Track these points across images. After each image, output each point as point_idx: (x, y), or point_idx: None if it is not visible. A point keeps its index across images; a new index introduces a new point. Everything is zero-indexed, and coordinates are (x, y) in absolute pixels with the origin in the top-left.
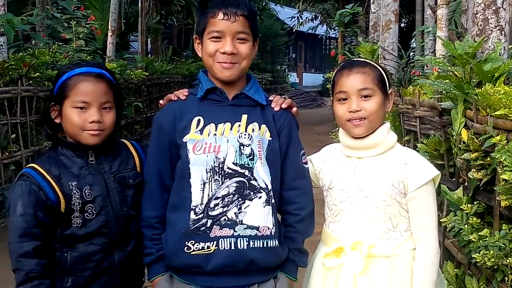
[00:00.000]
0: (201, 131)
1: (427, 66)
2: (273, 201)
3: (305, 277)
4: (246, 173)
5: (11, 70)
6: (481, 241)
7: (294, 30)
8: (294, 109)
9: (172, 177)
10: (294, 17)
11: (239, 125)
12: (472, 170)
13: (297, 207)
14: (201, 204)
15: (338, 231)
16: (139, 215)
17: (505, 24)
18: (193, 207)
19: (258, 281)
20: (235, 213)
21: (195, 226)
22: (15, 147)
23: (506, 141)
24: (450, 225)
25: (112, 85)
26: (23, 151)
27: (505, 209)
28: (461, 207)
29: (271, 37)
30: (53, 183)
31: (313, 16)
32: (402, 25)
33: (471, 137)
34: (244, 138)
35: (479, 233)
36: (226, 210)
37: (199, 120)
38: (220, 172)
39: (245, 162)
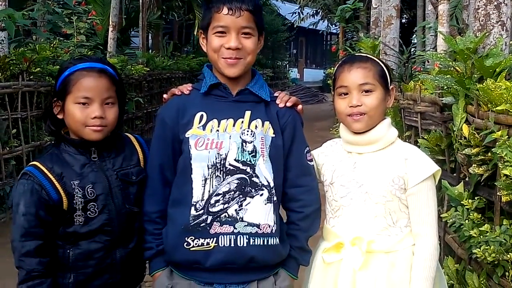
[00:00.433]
0: (204, 126)
1: (428, 62)
2: (275, 198)
3: (305, 273)
4: (248, 170)
5: (12, 65)
6: (481, 236)
7: (295, 26)
8: (300, 106)
9: (174, 172)
10: (295, 13)
11: (242, 122)
12: (473, 165)
13: (301, 205)
14: (202, 200)
15: (338, 227)
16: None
17: (507, 20)
18: (194, 203)
19: (257, 278)
20: (235, 210)
21: (195, 222)
22: (16, 142)
23: (507, 136)
24: (451, 220)
25: (115, 80)
26: (24, 146)
27: (506, 204)
28: (462, 202)
29: (272, 32)
30: (55, 182)
31: (314, 11)
32: (403, 20)
33: (472, 133)
34: (247, 134)
35: (479, 229)
36: (227, 207)
37: (202, 116)
38: (221, 169)
39: (247, 159)
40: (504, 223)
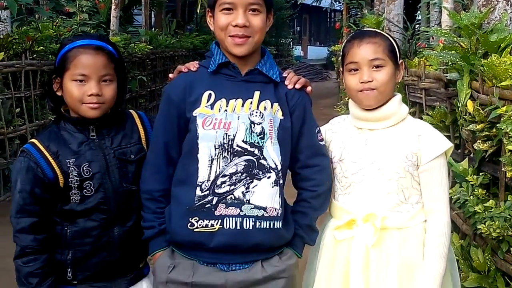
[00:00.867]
0: (212, 106)
1: (432, 38)
2: (281, 181)
3: (311, 252)
4: (256, 152)
5: (14, 44)
6: (486, 212)
7: (298, 3)
8: (309, 88)
9: (179, 151)
10: None
11: (251, 102)
12: (478, 141)
13: (314, 184)
14: (208, 180)
15: (349, 204)
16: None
17: None
18: (199, 183)
19: (262, 258)
20: (242, 192)
21: (200, 202)
22: (19, 121)
23: None
24: (456, 196)
25: (113, 58)
26: (28, 125)
27: (510, 180)
28: (466, 178)
29: (275, 10)
30: (51, 160)
31: None
32: None
33: (477, 108)
34: (256, 116)
35: (484, 204)
36: (233, 189)
37: (210, 95)
38: (229, 149)
39: (255, 140)
40: (509, 199)
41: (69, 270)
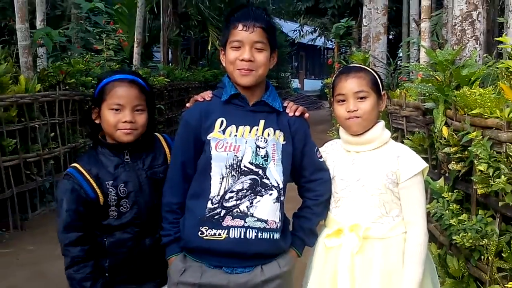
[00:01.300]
0: (224, 131)
1: (412, 72)
2: (282, 198)
3: (308, 259)
4: (260, 172)
5: (50, 76)
6: (460, 224)
7: (296, 42)
8: (306, 114)
9: (194, 169)
10: (296, 30)
11: (257, 129)
12: (452, 162)
13: (316, 194)
14: (218, 195)
15: (338, 215)
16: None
17: (480, 34)
18: (211, 198)
19: (261, 263)
20: (247, 206)
21: (210, 214)
22: (54, 144)
23: (481, 136)
24: (433, 211)
25: (145, 91)
26: (61, 148)
27: (481, 196)
28: (442, 195)
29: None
30: (92, 182)
31: (313, 29)
32: (390, 36)
33: (451, 134)
34: (261, 141)
35: (458, 218)
36: (239, 203)
37: (222, 121)
38: (237, 169)
39: (260, 162)
40: (479, 213)
41: (107, 274)
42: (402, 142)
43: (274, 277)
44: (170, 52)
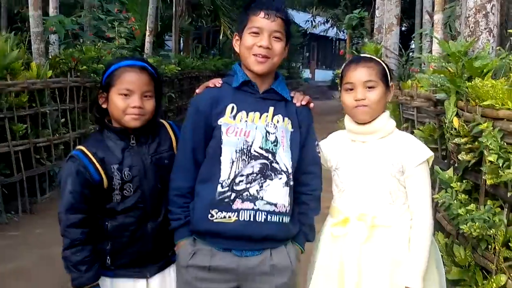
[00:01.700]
0: (234, 117)
1: (424, 64)
2: (291, 183)
3: (314, 248)
4: (270, 156)
5: (61, 63)
6: (468, 214)
7: (308, 32)
8: (311, 104)
9: (204, 154)
10: (308, 21)
11: (267, 116)
12: (462, 153)
13: (311, 188)
14: (228, 179)
15: (344, 205)
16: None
17: (494, 27)
18: (221, 181)
19: (271, 247)
20: (256, 189)
21: (220, 197)
22: (64, 129)
23: (492, 127)
24: (442, 200)
25: (153, 77)
26: (71, 133)
27: (490, 187)
28: (451, 185)
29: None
30: (98, 165)
31: (325, 20)
32: (403, 28)
33: (461, 124)
34: (270, 127)
35: (466, 208)
36: (249, 187)
37: (233, 107)
38: (247, 154)
39: (269, 147)
40: (488, 203)
41: (108, 258)
42: (412, 133)
43: (284, 268)
44: (181, 41)
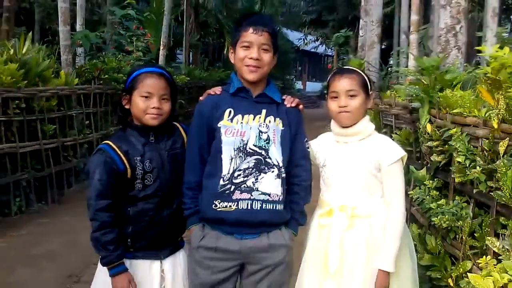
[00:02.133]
0: (232, 119)
1: (401, 77)
2: (283, 175)
3: (307, 234)
4: (263, 153)
5: (87, 72)
6: (439, 208)
7: (300, 49)
8: (301, 106)
9: (208, 152)
10: (301, 39)
11: (260, 117)
12: (434, 154)
13: (301, 179)
14: (228, 173)
15: (329, 197)
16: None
17: (462, 45)
18: (223, 176)
19: (267, 230)
20: (252, 182)
21: (222, 189)
22: (88, 130)
23: (460, 132)
24: (416, 196)
25: (170, 83)
26: (94, 134)
27: (458, 184)
28: (424, 182)
29: (282, 54)
30: (122, 157)
31: (315, 38)
32: (383, 46)
33: (434, 130)
34: (263, 127)
35: (437, 202)
36: (246, 179)
37: (230, 111)
38: (243, 151)
39: (262, 144)
40: (456, 199)
41: (129, 240)
42: (391, 137)
43: (280, 245)
44: (191, 55)
